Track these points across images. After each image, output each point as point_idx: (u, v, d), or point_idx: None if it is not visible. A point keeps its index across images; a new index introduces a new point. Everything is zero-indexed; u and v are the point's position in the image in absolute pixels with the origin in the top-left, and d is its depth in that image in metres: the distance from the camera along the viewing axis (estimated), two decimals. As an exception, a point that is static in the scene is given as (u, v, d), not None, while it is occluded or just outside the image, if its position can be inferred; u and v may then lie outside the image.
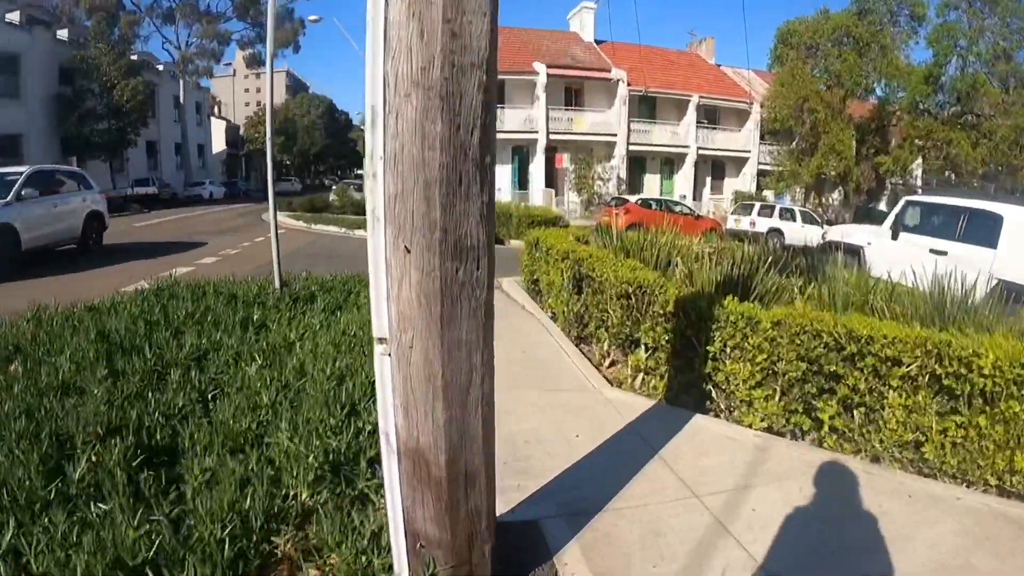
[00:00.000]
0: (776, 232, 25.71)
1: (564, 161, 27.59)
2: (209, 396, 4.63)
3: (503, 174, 35.35)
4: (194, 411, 4.32)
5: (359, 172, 47.70)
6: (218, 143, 65.08)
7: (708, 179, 40.88)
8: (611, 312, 6.66)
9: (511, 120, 33.93)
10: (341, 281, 10.11)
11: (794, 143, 34.73)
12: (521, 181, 35.92)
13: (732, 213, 29.50)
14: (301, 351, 5.70)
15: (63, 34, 39.50)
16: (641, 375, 6.17)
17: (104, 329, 5.93)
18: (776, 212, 27.16)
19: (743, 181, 40.85)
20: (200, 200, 44.88)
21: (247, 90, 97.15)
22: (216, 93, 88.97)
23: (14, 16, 35.57)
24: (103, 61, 36.50)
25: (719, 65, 44.91)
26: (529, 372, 6.50)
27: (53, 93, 36.07)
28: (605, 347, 6.98)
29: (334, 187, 36.80)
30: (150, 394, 4.41)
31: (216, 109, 71.97)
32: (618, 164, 35.13)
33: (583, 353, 7.23)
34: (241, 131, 70.70)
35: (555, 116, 34.55)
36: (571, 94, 36.30)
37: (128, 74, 37.34)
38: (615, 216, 24.39)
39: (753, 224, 26.92)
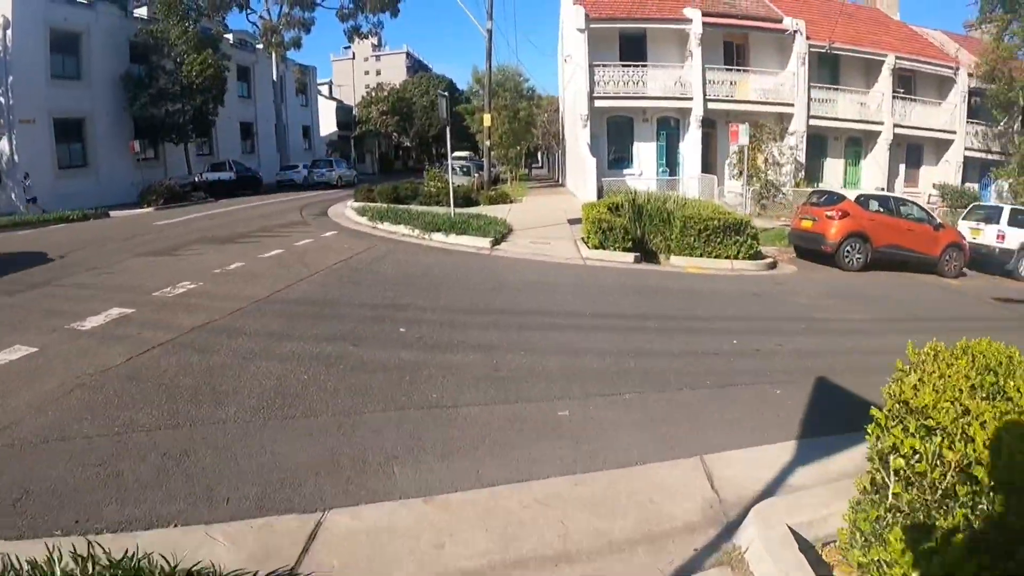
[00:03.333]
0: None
1: (741, 135, 18.23)
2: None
3: (645, 154, 26.33)
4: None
5: (459, 155, 39.59)
6: (328, 125, 59.13)
7: (902, 167, 30.05)
8: None
9: (655, 83, 24.82)
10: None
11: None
12: (669, 163, 26.74)
13: (964, 219, 19.39)
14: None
15: (142, 12, 34.46)
16: None
17: None
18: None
19: (943, 170, 29.86)
20: (291, 186, 38.40)
21: (367, 72, 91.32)
22: (336, 77, 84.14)
23: (81, -9, 30.83)
24: (172, 34, 30.44)
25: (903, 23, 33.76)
26: None
27: (121, 72, 31.33)
28: None
29: (426, 170, 29.01)
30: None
31: (329, 90, 66.03)
32: (797, 143, 25.26)
33: None
34: (354, 111, 64.53)
35: (712, 78, 25.10)
36: (732, 50, 26.66)
37: (198, 47, 30.95)
38: (827, 221, 15.41)
39: (1001, 237, 17.33)
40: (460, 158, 36.77)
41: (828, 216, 15.52)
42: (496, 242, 14.52)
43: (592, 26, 24.29)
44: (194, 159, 34.58)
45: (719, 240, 14.06)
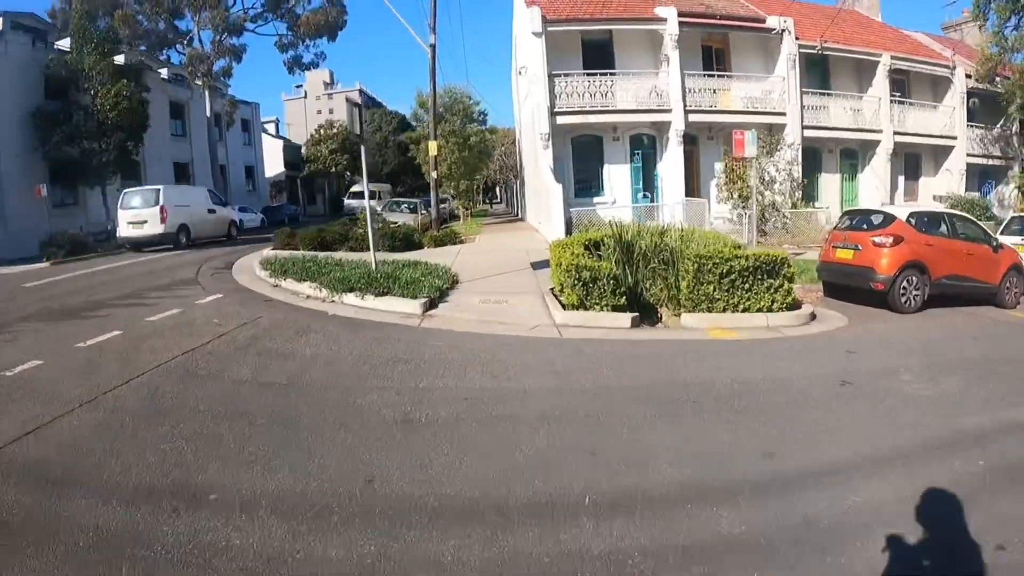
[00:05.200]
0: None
1: (748, 144, 13.73)
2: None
3: (618, 178, 21.93)
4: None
5: (370, 188, 35.62)
6: (275, 165, 54.25)
7: (900, 178, 26.20)
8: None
9: (625, 94, 20.49)
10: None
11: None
12: (646, 187, 22.33)
13: (1002, 233, 15.50)
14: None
15: (64, 44, 29.51)
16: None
17: None
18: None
19: (944, 180, 26.18)
20: (223, 232, 33.45)
21: (319, 112, 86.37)
22: (288, 117, 79.64)
23: (-11, 24, 26.30)
24: (85, 64, 25.70)
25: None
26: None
27: (32, 109, 26.57)
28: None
29: (355, 213, 24.54)
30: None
31: (276, 128, 61.13)
32: (794, 157, 21.06)
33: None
34: (303, 151, 59.67)
35: (691, 86, 20.88)
36: (711, 56, 22.52)
37: (114, 78, 26.23)
38: (875, 249, 11.05)
39: (1056, 254, 13.62)
40: (374, 193, 32.29)
41: (876, 243, 11.24)
42: (431, 304, 9.84)
43: (550, 29, 19.96)
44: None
45: (747, 286, 9.58)
